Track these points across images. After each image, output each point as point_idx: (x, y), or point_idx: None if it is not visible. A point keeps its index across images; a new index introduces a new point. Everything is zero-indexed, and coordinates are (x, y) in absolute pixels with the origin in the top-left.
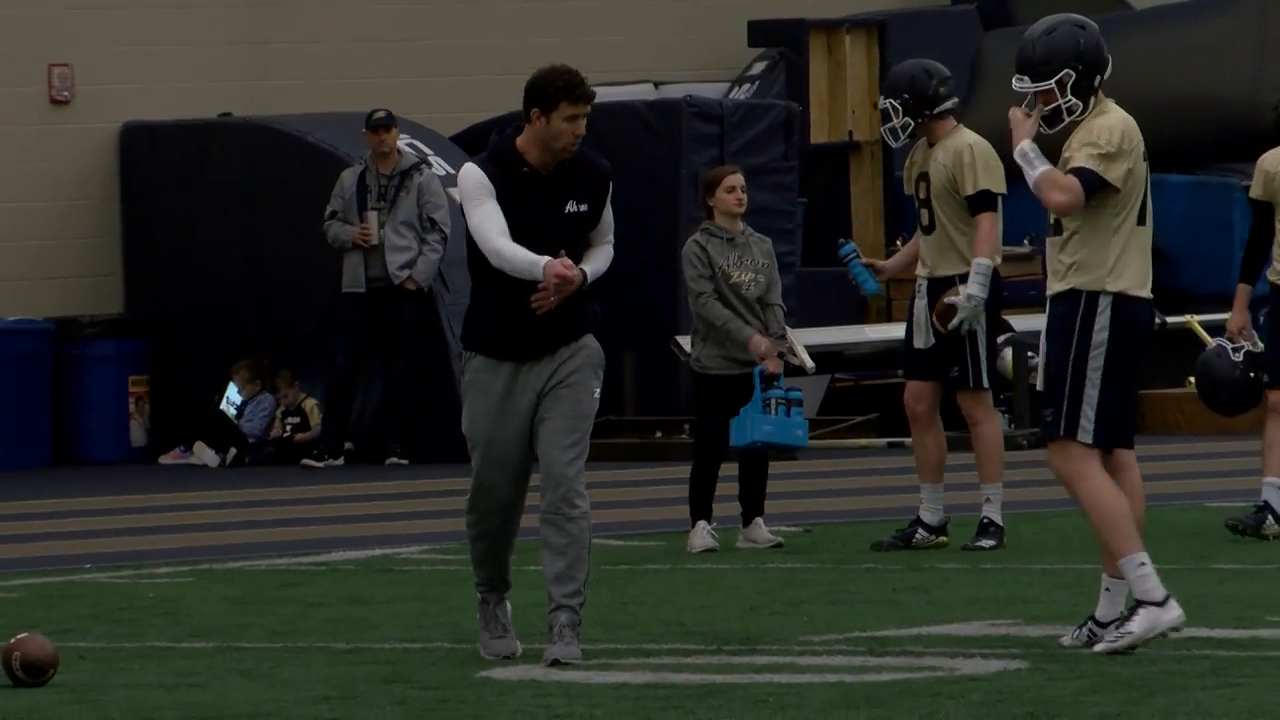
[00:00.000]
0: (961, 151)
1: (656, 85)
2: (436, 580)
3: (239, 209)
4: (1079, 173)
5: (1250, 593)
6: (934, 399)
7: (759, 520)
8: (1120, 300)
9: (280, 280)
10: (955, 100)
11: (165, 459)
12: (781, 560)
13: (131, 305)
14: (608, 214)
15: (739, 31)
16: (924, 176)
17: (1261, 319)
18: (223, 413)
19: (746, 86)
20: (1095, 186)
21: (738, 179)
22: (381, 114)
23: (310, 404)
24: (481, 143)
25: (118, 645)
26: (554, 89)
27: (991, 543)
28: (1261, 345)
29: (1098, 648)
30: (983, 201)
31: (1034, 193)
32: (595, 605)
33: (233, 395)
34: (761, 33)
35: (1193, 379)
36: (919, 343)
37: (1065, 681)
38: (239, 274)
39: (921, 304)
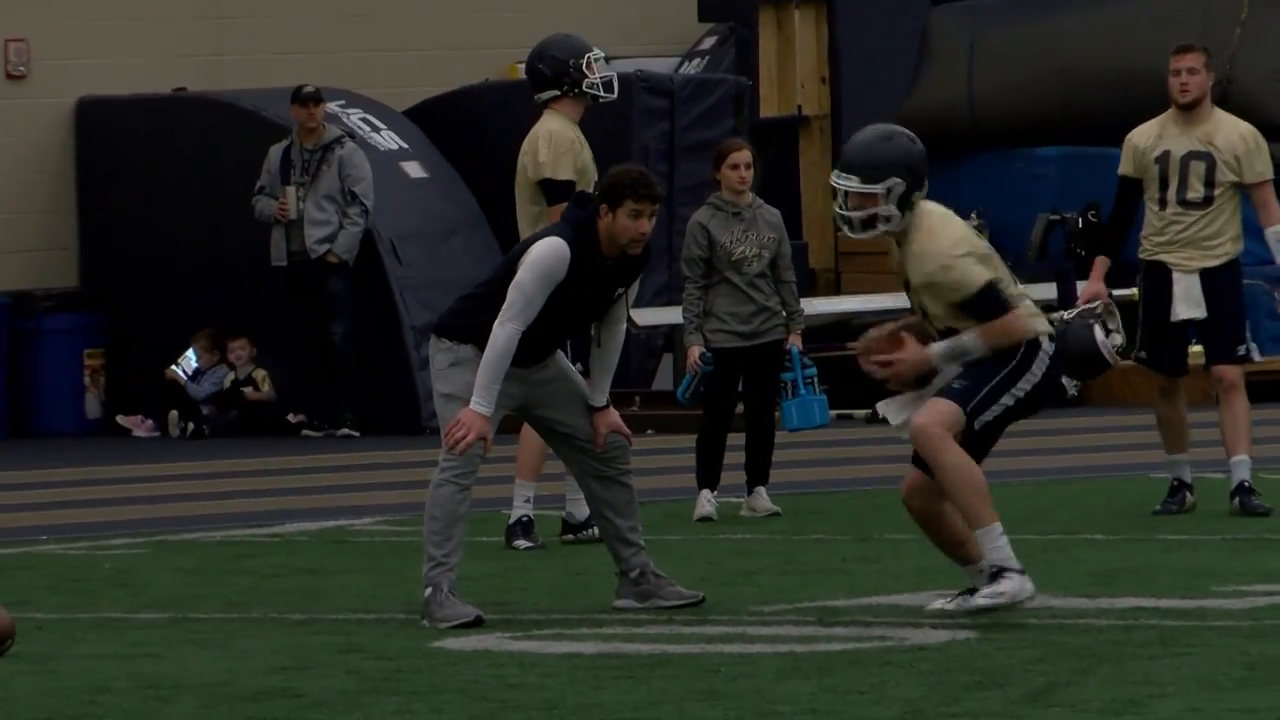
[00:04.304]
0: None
1: (607, 60)
2: (390, 551)
3: (194, 183)
4: (986, 298)
5: (1196, 563)
6: None
7: (761, 489)
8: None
9: (235, 253)
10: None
11: (124, 420)
12: (732, 531)
13: (86, 279)
14: (633, 288)
15: (689, 6)
16: None
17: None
18: (174, 377)
19: (697, 61)
20: (999, 296)
21: (743, 156)
22: (310, 88)
23: (261, 374)
24: (435, 117)
25: (74, 616)
26: (620, 186)
27: (527, 544)
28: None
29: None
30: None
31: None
32: (548, 575)
33: (190, 361)
34: (712, 8)
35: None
36: None
37: (1013, 650)
38: (194, 247)
39: None
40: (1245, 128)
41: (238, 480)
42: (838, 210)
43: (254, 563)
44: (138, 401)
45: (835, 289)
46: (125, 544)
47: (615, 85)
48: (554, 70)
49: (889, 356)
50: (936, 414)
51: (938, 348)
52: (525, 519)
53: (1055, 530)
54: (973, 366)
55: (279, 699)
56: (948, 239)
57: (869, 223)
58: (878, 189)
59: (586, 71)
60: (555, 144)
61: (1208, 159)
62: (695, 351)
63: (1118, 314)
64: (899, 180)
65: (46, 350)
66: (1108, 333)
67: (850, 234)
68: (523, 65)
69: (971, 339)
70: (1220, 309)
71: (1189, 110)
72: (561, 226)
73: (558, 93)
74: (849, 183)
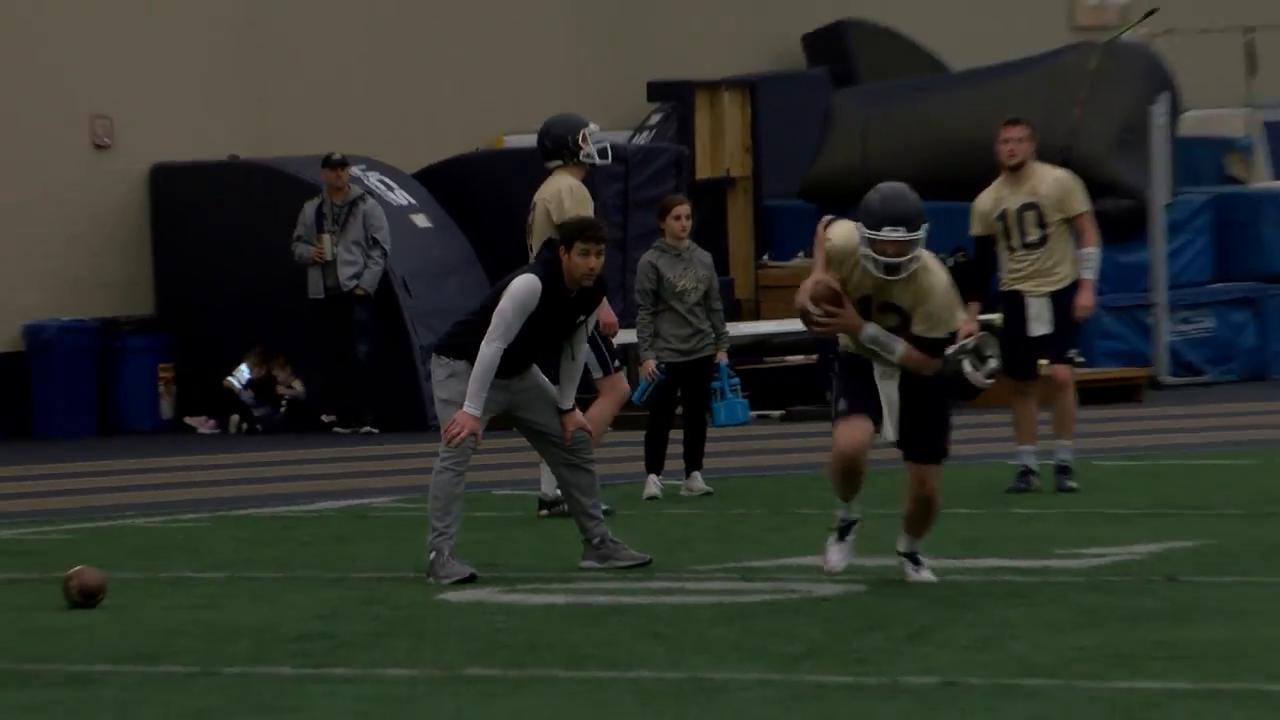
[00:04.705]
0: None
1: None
2: (403, 524)
3: (245, 231)
4: (943, 341)
5: (1041, 531)
6: None
7: (697, 473)
8: None
9: (277, 289)
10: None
11: (191, 420)
12: (674, 507)
13: (161, 308)
14: (594, 317)
15: (640, 89)
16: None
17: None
18: (230, 386)
19: (645, 134)
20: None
21: (684, 209)
22: (338, 155)
23: (297, 383)
24: (437, 179)
25: (152, 575)
26: (572, 231)
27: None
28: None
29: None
30: None
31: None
32: (530, 546)
33: (243, 373)
34: (657, 90)
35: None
36: None
37: (896, 600)
38: (245, 282)
39: None
40: (1060, 172)
41: (282, 468)
42: (884, 260)
43: (295, 533)
44: (202, 405)
45: (756, 315)
46: (193, 518)
47: (609, 152)
48: (555, 144)
49: (835, 310)
50: (940, 481)
51: (871, 329)
52: None
53: None
54: (938, 405)
55: (316, 640)
56: (945, 280)
57: (909, 264)
58: (921, 234)
59: (582, 144)
60: (575, 194)
61: (1036, 208)
62: (650, 364)
63: (995, 342)
64: (926, 224)
65: (128, 365)
66: (986, 358)
67: (893, 279)
68: (507, 138)
69: (902, 351)
70: (1059, 321)
71: (1016, 171)
72: (535, 265)
73: (561, 162)
74: (897, 234)
